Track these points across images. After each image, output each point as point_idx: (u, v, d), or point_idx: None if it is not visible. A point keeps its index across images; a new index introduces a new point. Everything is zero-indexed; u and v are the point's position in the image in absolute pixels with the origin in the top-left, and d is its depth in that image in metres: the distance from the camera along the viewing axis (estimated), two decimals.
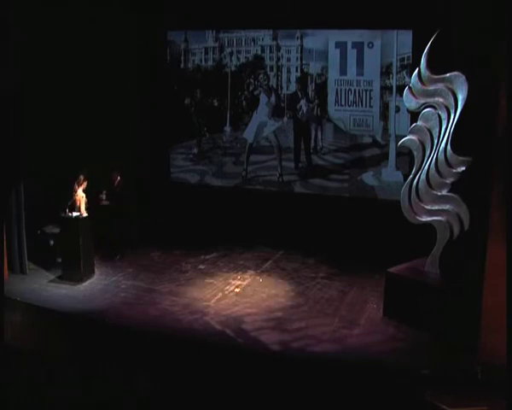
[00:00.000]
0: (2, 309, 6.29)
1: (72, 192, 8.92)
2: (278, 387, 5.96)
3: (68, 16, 10.02)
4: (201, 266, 9.74)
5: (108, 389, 5.65)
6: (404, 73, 9.83)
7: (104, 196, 9.61)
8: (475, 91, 7.03)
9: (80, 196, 8.98)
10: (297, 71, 10.74)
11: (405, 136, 7.93)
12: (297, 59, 10.70)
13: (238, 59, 11.13)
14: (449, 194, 7.37)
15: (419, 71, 7.60)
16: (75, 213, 8.82)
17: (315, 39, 10.48)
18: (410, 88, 7.72)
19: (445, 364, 6.52)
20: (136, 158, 10.97)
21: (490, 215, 6.24)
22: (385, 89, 10.12)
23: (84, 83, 10.29)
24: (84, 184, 9.06)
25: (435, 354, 6.80)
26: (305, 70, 10.65)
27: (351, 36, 10.16)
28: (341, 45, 10.27)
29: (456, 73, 7.23)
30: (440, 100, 7.41)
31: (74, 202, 8.88)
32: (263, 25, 10.74)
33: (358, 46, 10.14)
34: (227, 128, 11.38)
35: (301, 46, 10.62)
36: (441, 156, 7.37)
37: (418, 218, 7.70)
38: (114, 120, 10.55)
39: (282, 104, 10.94)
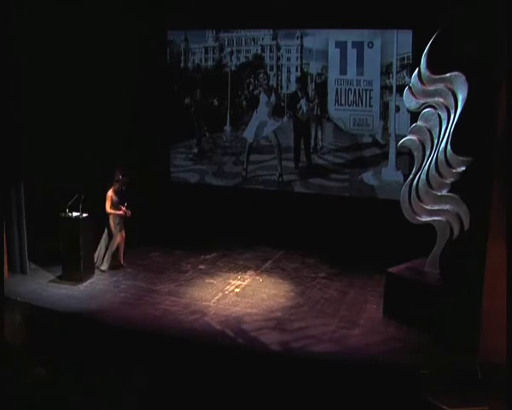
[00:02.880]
0: (2, 309, 6.29)
1: (111, 187, 9.06)
2: (278, 387, 5.96)
3: (68, 16, 10.02)
4: (201, 266, 9.74)
5: (108, 389, 5.65)
6: (404, 73, 9.83)
7: None
8: (475, 91, 7.03)
9: (110, 195, 9.07)
10: (297, 70, 10.73)
11: (405, 136, 7.92)
12: (297, 58, 10.70)
13: (238, 59, 11.13)
14: (449, 194, 7.37)
15: (419, 71, 7.59)
16: (75, 213, 8.82)
17: (315, 39, 10.48)
18: (410, 88, 7.71)
19: (445, 364, 6.52)
20: (137, 158, 10.96)
21: (490, 215, 6.24)
22: (385, 89, 10.12)
23: (85, 83, 10.29)
24: (117, 185, 9.11)
25: (435, 354, 6.80)
26: (305, 70, 10.65)
27: (351, 36, 10.17)
28: (341, 45, 10.28)
29: (456, 73, 7.23)
30: (440, 100, 7.41)
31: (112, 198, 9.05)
32: (263, 25, 10.75)
33: (358, 46, 10.15)
34: (227, 128, 11.37)
35: (301, 46, 10.61)
36: (441, 156, 7.36)
37: (418, 218, 7.69)
38: (114, 119, 10.55)
39: (282, 104, 10.94)
